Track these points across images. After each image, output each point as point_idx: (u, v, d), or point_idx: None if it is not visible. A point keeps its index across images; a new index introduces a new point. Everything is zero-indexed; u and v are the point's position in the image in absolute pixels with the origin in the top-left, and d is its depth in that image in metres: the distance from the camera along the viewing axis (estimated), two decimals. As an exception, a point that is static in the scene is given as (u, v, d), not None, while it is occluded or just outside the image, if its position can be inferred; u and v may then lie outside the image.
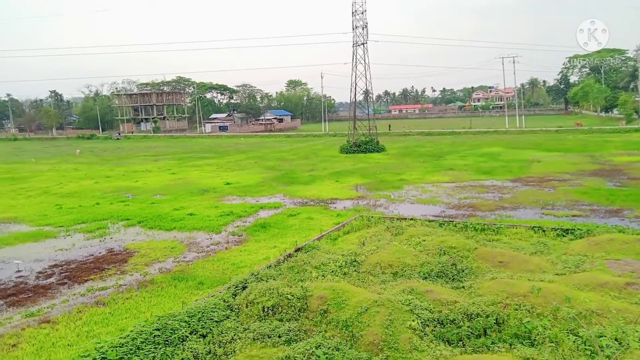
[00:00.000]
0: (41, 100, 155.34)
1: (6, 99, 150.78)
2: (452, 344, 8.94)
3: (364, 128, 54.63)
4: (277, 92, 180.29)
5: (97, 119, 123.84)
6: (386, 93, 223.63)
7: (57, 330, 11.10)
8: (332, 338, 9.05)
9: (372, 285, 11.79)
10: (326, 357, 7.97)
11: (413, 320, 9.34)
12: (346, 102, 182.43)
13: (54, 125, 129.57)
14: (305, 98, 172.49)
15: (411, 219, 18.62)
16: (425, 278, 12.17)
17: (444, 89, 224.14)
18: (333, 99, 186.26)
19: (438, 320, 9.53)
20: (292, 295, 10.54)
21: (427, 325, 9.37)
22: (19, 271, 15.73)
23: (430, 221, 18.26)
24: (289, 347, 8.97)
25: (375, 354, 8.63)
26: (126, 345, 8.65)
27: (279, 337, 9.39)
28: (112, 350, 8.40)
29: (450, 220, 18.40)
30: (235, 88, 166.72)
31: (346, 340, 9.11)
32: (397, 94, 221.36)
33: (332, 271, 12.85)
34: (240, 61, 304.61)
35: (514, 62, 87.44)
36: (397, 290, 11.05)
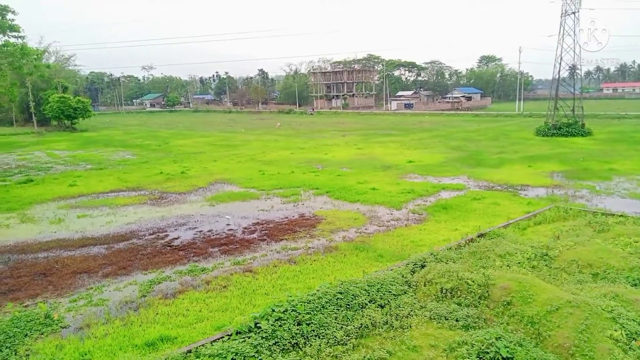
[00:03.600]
0: (251, 77, 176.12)
1: (224, 76, 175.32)
2: (667, 366, 7.62)
3: (566, 109, 48.54)
4: (467, 69, 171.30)
5: (295, 95, 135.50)
6: (598, 69, 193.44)
7: (257, 279, 12.81)
8: (514, 332, 8.53)
9: (565, 284, 10.69)
10: (507, 351, 7.55)
11: (616, 330, 8.22)
12: (546, 79, 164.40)
13: (260, 100, 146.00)
14: (498, 75, 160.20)
15: (621, 215, 16.17)
16: (635, 285, 10.53)
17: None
18: (530, 76, 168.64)
19: (649, 335, 8.19)
20: (473, 281, 10.22)
21: (634, 338, 8.14)
22: (229, 225, 18.50)
23: (646, 220, 15.59)
24: (467, 332, 8.78)
25: (565, 358, 7.87)
26: (313, 303, 9.55)
27: (457, 320, 9.24)
28: (301, 304, 9.36)
29: (675, 222, 15.38)
30: (423, 65, 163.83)
31: (531, 338, 8.50)
32: (612, 70, 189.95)
33: (519, 262, 12.03)
34: (430, 37, 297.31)
35: None
36: (596, 293, 9.82)
